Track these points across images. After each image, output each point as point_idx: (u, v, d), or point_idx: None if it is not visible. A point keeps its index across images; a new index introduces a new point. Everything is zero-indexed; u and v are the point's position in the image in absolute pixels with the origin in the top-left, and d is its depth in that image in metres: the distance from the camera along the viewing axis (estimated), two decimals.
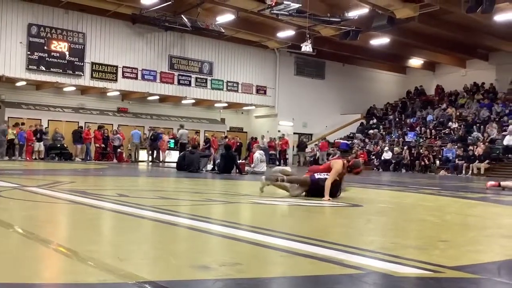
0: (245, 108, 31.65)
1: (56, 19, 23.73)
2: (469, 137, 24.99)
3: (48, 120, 24.81)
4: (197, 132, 28.63)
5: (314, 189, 6.92)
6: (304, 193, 7.10)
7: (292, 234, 3.83)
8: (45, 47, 23.26)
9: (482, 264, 2.97)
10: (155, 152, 24.42)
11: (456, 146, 23.52)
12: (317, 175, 6.93)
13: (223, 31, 25.25)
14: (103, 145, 24.26)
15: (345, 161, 7.11)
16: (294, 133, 31.56)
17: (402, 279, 2.54)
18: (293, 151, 30.12)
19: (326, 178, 6.81)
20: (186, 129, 23.49)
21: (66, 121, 25.07)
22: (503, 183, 10.82)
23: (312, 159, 28.59)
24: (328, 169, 6.96)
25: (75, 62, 24.08)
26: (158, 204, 5.77)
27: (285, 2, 18.99)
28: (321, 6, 22.04)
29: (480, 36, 25.40)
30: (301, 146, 28.88)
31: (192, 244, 3.38)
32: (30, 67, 22.91)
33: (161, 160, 24.36)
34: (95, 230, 3.92)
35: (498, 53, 28.83)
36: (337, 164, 6.91)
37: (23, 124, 22.31)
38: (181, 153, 18.02)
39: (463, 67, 32.01)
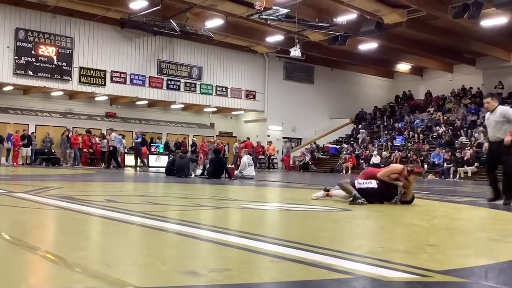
0: (234, 112, 31.67)
1: (43, 23, 23.59)
2: (456, 141, 25.21)
3: (36, 125, 24.62)
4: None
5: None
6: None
7: (281, 239, 3.83)
8: (33, 52, 23.11)
9: (469, 268, 2.99)
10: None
11: (444, 151, 23.70)
12: (357, 184, 6.85)
13: (212, 35, 25.26)
14: (90, 150, 24.08)
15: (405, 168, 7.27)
16: (283, 138, 31.65)
17: (390, 283, 2.55)
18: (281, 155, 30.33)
19: (368, 187, 6.80)
20: (117, 132, 23.05)
21: (54, 126, 24.89)
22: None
23: (301, 163, 28.69)
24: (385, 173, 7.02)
25: (63, 67, 23.95)
26: (147, 209, 5.74)
27: (273, 7, 19.06)
28: (310, 11, 22.15)
29: (467, 41, 25.68)
30: None
31: (181, 249, 3.37)
32: (17, 71, 22.73)
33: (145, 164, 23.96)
34: (83, 236, 3.89)
35: (484, 58, 29.15)
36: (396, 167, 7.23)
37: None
38: (171, 158, 17.92)
39: (450, 72, 32.32)
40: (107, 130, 24.57)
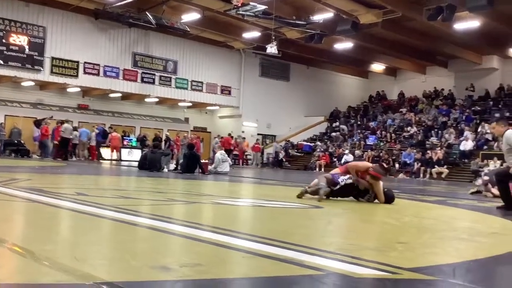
0: (209, 108, 31.55)
1: (16, 11, 23.04)
2: (427, 141, 25.67)
3: (5, 115, 24.05)
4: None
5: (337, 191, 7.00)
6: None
7: (254, 235, 3.83)
8: (4, 40, 22.57)
9: (438, 266, 3.05)
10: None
11: (415, 150, 24.08)
12: (340, 179, 7.00)
13: (188, 29, 25.08)
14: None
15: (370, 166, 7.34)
16: (258, 134, 31.68)
17: (360, 280, 2.58)
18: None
19: (346, 184, 7.00)
20: (69, 125, 22.87)
21: (24, 117, 24.35)
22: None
23: (275, 159, 28.77)
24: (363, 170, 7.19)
25: (35, 57, 23.44)
26: (118, 203, 5.66)
27: (251, 3, 19.05)
28: (287, 8, 22.21)
29: (440, 44, 26.12)
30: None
31: (152, 244, 3.34)
32: None
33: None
34: (52, 230, 3.82)
35: (457, 61, 29.70)
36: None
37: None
38: (143, 153, 17.77)
39: (423, 73, 32.83)
40: (63, 121, 23.83)
